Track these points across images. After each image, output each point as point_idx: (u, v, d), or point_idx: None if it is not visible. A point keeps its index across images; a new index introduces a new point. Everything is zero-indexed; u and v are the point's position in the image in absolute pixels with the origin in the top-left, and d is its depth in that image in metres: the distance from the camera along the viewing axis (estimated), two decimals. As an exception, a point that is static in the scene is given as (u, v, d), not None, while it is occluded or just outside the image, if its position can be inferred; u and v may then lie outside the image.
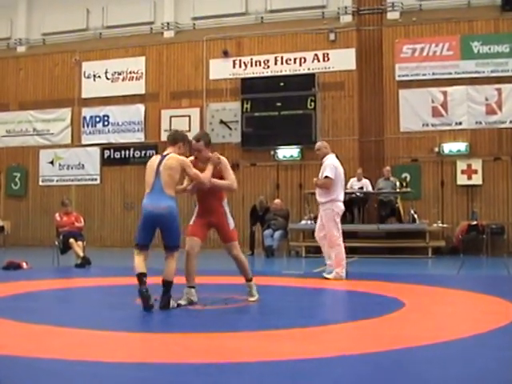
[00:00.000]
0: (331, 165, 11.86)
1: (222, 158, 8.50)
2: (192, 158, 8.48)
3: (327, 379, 4.62)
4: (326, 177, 11.76)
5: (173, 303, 7.87)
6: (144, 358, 5.31)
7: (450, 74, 20.33)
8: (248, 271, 8.65)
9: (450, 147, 20.18)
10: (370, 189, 19.69)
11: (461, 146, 20.11)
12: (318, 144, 12.64)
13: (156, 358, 5.29)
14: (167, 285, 7.80)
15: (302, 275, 12.52)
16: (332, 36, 21.45)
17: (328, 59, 21.47)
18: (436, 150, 20.24)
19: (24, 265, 13.99)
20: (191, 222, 8.57)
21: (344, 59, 21.28)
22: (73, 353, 5.49)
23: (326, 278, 11.45)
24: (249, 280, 8.66)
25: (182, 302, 8.14)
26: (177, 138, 8.39)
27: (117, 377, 4.77)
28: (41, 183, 24.68)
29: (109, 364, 5.14)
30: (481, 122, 20.07)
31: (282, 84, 21.55)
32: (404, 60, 20.68)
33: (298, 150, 21.35)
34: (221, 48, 22.54)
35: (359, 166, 20.36)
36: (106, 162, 23.71)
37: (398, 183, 19.25)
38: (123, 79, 23.82)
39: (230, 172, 8.42)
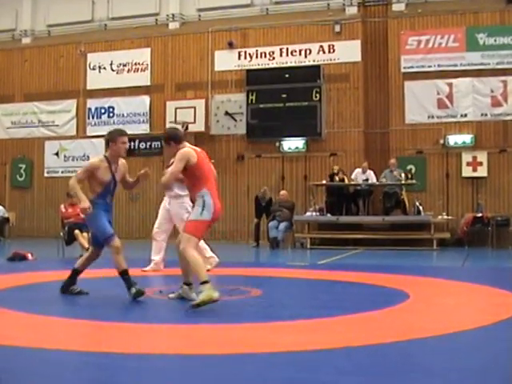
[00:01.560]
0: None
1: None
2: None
3: (332, 370, 4.63)
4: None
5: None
6: (149, 349, 5.32)
7: (456, 65, 20.29)
8: (188, 274, 7.83)
9: (455, 139, 20.15)
10: (374, 180, 19.66)
11: (466, 138, 20.08)
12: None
13: (161, 350, 5.30)
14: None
15: (306, 267, 12.51)
16: (337, 28, 21.41)
17: (333, 51, 21.44)
18: (441, 141, 20.22)
19: (29, 256, 14.04)
20: None
21: (349, 51, 21.24)
22: (78, 344, 5.51)
23: (145, 271, 11.10)
24: (185, 283, 7.92)
25: (171, 296, 8.07)
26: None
27: (123, 367, 4.78)
28: (46, 175, 24.71)
29: (115, 355, 5.15)
30: (486, 114, 20.04)
31: (287, 76, 21.51)
32: (409, 52, 20.64)
33: (303, 141, 21.35)
34: (226, 39, 22.52)
35: (365, 158, 20.37)
36: (111, 153, 23.66)
37: (402, 175, 19.21)
38: (128, 71, 23.82)
39: (175, 164, 7.70)
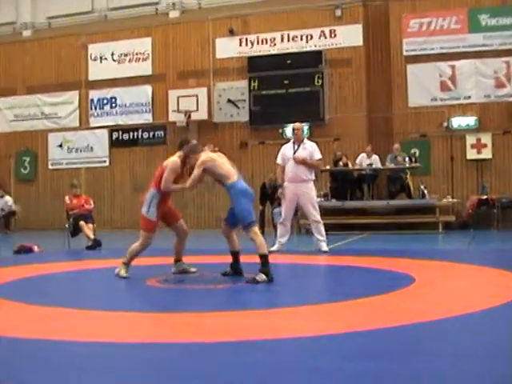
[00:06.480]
0: (317, 147, 12.54)
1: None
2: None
3: (338, 355, 4.62)
4: (320, 159, 12.60)
5: None
6: (156, 338, 5.32)
7: (458, 47, 20.19)
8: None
9: (459, 121, 20.08)
10: (379, 165, 19.63)
11: (470, 120, 20.00)
12: (299, 124, 12.81)
13: (168, 338, 5.30)
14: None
15: (312, 252, 12.50)
16: (338, 12, 21.33)
17: (335, 36, 21.37)
18: (445, 124, 20.15)
19: (35, 248, 14.04)
20: None
21: (351, 35, 21.17)
22: (85, 334, 5.51)
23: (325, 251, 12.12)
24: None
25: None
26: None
27: (129, 357, 4.78)
28: (50, 167, 24.76)
29: (120, 344, 5.16)
30: (490, 96, 19.96)
31: (288, 61, 21.46)
32: (411, 34, 20.55)
33: (307, 127, 21.25)
34: (227, 27, 22.44)
35: (368, 143, 20.31)
36: (114, 143, 23.75)
37: (406, 159, 19.17)
38: (130, 61, 23.78)
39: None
